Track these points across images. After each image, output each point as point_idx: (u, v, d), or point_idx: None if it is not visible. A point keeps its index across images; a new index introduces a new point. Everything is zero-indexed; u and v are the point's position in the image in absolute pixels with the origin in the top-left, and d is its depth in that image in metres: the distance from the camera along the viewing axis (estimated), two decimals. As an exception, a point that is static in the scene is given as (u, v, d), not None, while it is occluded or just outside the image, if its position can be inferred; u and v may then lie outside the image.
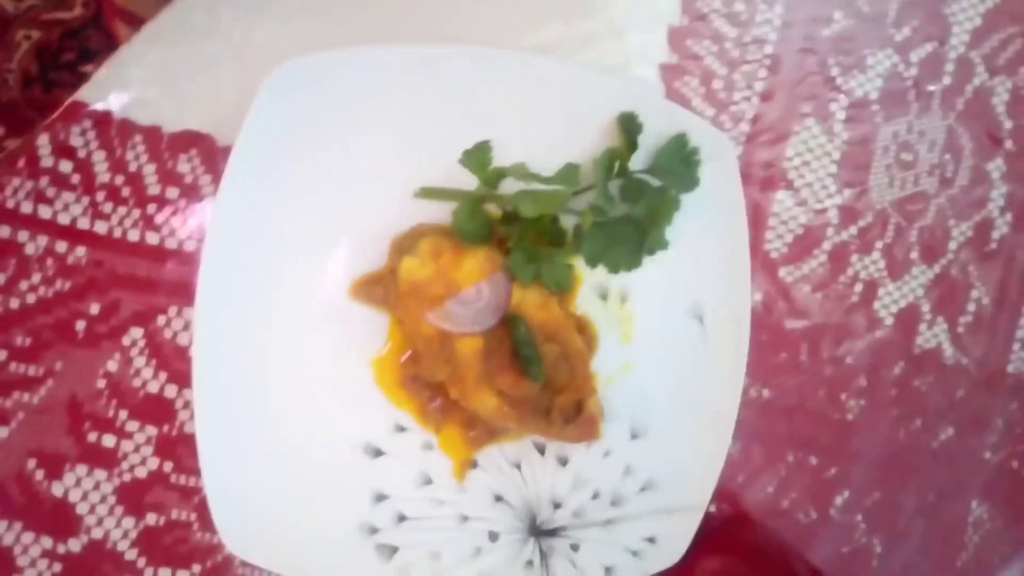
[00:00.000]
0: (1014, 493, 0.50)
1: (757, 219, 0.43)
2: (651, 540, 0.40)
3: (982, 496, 0.50)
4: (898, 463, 0.47)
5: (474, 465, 0.39)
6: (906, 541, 0.49)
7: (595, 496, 0.40)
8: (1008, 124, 0.48)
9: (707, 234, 0.39)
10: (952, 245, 0.47)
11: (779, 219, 0.44)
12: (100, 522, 0.36)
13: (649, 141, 0.38)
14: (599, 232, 0.37)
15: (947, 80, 0.46)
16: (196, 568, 0.37)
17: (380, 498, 0.38)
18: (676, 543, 0.40)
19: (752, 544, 0.42)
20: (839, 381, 0.45)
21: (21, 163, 0.34)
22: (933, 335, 0.47)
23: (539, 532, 0.39)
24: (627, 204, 0.38)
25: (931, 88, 0.46)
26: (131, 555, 0.36)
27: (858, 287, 0.46)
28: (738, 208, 0.39)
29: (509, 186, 0.36)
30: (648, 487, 0.40)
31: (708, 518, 0.40)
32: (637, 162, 0.38)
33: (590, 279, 0.39)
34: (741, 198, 0.39)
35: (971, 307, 0.48)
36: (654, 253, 0.38)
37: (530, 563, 0.39)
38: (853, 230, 0.45)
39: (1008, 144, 0.47)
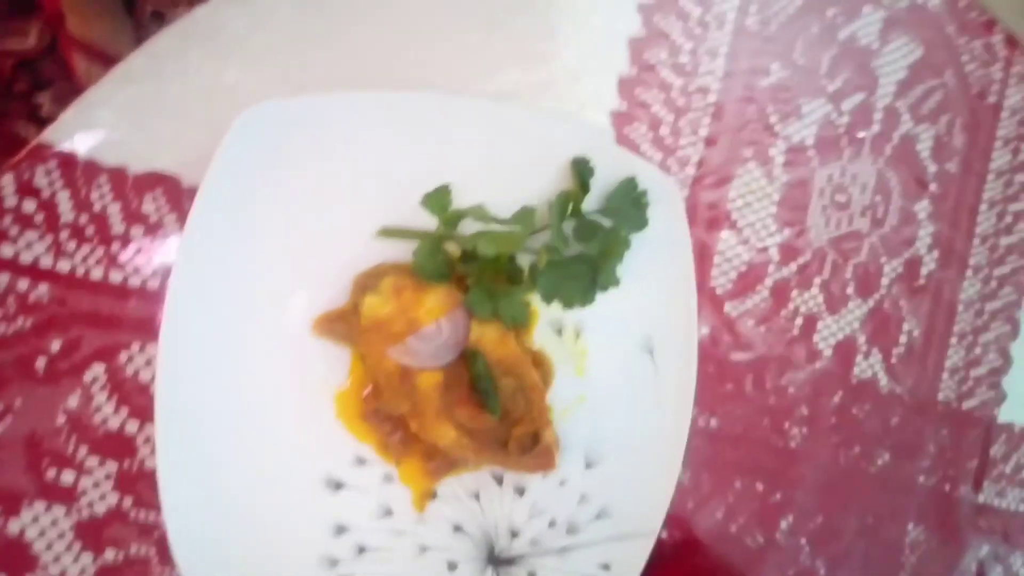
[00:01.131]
0: (946, 516, 0.53)
1: (703, 257, 0.46)
2: (606, 567, 0.41)
3: (917, 519, 0.52)
4: (839, 488, 0.49)
5: (434, 496, 0.40)
6: (848, 563, 0.50)
7: (551, 524, 0.41)
8: (932, 168, 0.51)
9: (656, 271, 0.41)
10: (884, 281, 0.50)
11: (724, 257, 0.46)
12: (57, 559, 0.36)
13: (601, 184, 0.40)
14: (554, 270, 0.39)
15: (876, 127, 0.50)
16: (154, 604, 0.37)
17: (341, 530, 0.38)
18: (630, 569, 0.41)
19: (703, 569, 0.44)
20: (782, 410, 0.48)
21: (-16, 202, 0.34)
22: (869, 365, 0.50)
23: (497, 561, 0.40)
24: (580, 243, 0.40)
25: (861, 135, 0.49)
26: (88, 593, 0.36)
27: (798, 321, 0.48)
28: (685, 247, 0.41)
29: (468, 226, 0.38)
30: (602, 514, 0.41)
31: (660, 544, 0.41)
32: (590, 204, 0.40)
33: (546, 315, 0.41)
34: (688, 237, 0.41)
35: (903, 339, 0.51)
36: (606, 290, 0.40)
37: (488, 592, 0.40)
38: (793, 267, 0.48)
39: (933, 187, 0.51)
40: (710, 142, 0.46)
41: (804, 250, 0.48)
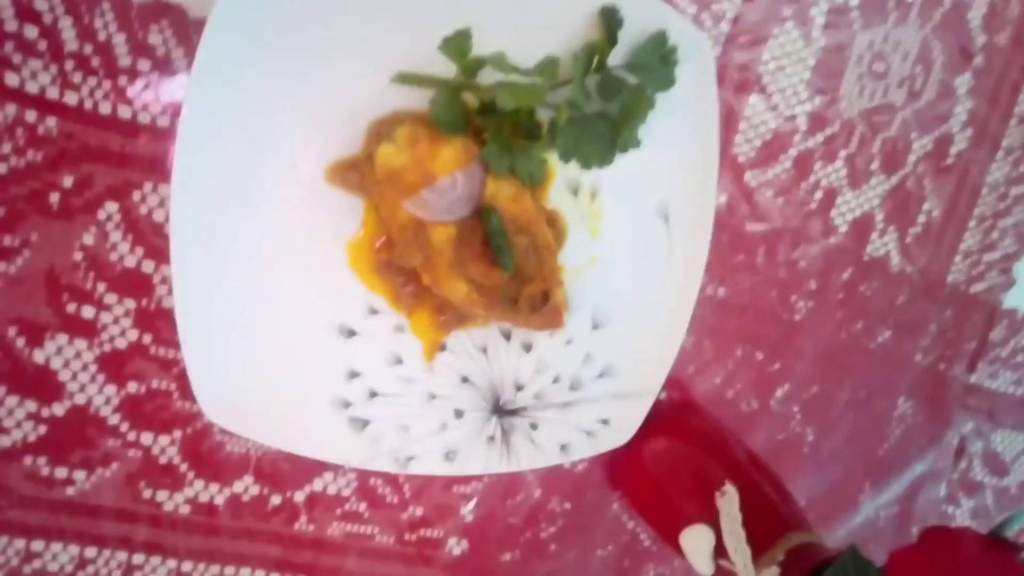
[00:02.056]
0: (937, 392, 0.55)
1: (728, 122, 0.44)
2: (605, 422, 0.43)
3: (908, 393, 0.54)
4: (837, 361, 0.51)
5: (443, 348, 0.41)
6: (836, 431, 0.53)
7: (555, 380, 0.42)
8: (981, 39, 0.48)
9: (679, 134, 0.40)
10: (912, 158, 0.49)
11: (750, 123, 0.45)
12: (83, 388, 0.37)
13: (629, 36, 0.38)
14: (574, 128, 0.38)
15: (927, -10, 0.46)
16: (177, 434, 0.39)
17: (353, 375, 0.39)
18: (628, 425, 0.43)
19: (696, 429, 0.46)
20: (791, 283, 0.48)
21: (-17, 26, 0.32)
22: (883, 244, 0.50)
23: (501, 411, 0.42)
24: (603, 100, 0.38)
25: (911, -2, 0.46)
26: (114, 420, 0.38)
27: (818, 194, 0.47)
28: (712, 110, 0.40)
29: (488, 77, 0.36)
30: (605, 373, 0.43)
31: (658, 404, 0.43)
32: (615, 58, 0.38)
33: (563, 174, 0.40)
34: (715, 100, 0.40)
35: (922, 219, 0.50)
36: (626, 151, 0.39)
37: (492, 439, 0.42)
38: (819, 138, 0.46)
39: (978, 60, 0.48)
40: (748, -3, 0.43)
41: (833, 120, 0.46)
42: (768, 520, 0.40)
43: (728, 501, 0.39)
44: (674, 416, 0.46)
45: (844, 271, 0.49)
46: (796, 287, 0.48)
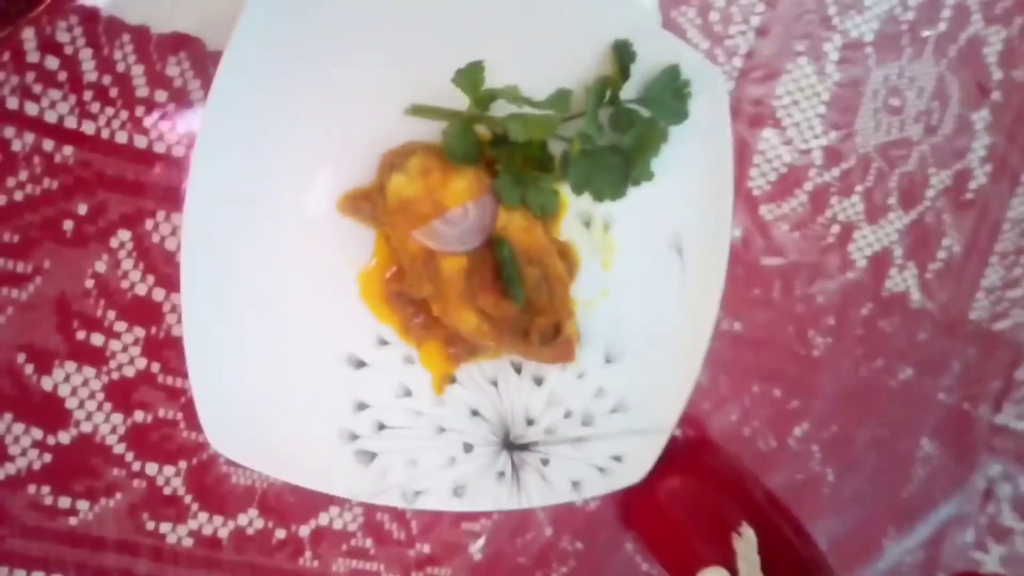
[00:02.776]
0: (961, 433, 0.53)
1: (742, 156, 0.44)
2: (618, 458, 0.42)
3: (932, 434, 0.53)
4: (857, 399, 0.49)
5: (453, 380, 0.40)
6: (857, 472, 0.51)
7: (567, 415, 0.42)
8: (998, 75, 0.48)
9: (693, 168, 0.40)
10: (930, 192, 0.48)
11: (764, 157, 0.45)
12: (89, 416, 0.37)
13: (642, 71, 0.38)
14: (586, 160, 0.38)
15: (943, 26, 0.46)
16: (182, 464, 0.39)
17: (361, 407, 0.39)
18: (642, 462, 0.42)
19: (712, 467, 0.45)
20: (808, 318, 0.47)
21: (6, 57, 0.33)
22: (903, 279, 0.49)
23: (512, 446, 0.41)
24: (615, 133, 0.38)
25: (926, 34, 0.46)
26: (119, 449, 0.38)
27: (835, 229, 0.47)
28: (726, 143, 0.39)
29: (500, 109, 0.36)
30: (618, 409, 0.42)
31: (673, 441, 0.42)
32: (628, 91, 0.38)
33: (575, 206, 0.40)
34: (729, 133, 0.39)
35: (942, 254, 0.49)
36: (639, 184, 0.39)
37: (502, 474, 0.41)
38: (835, 172, 0.46)
39: (995, 95, 0.48)
40: (762, 32, 0.43)
41: (849, 155, 0.46)
42: (788, 564, 0.38)
43: (746, 543, 0.37)
44: (690, 454, 0.45)
45: (863, 307, 0.48)
46: (814, 323, 0.47)
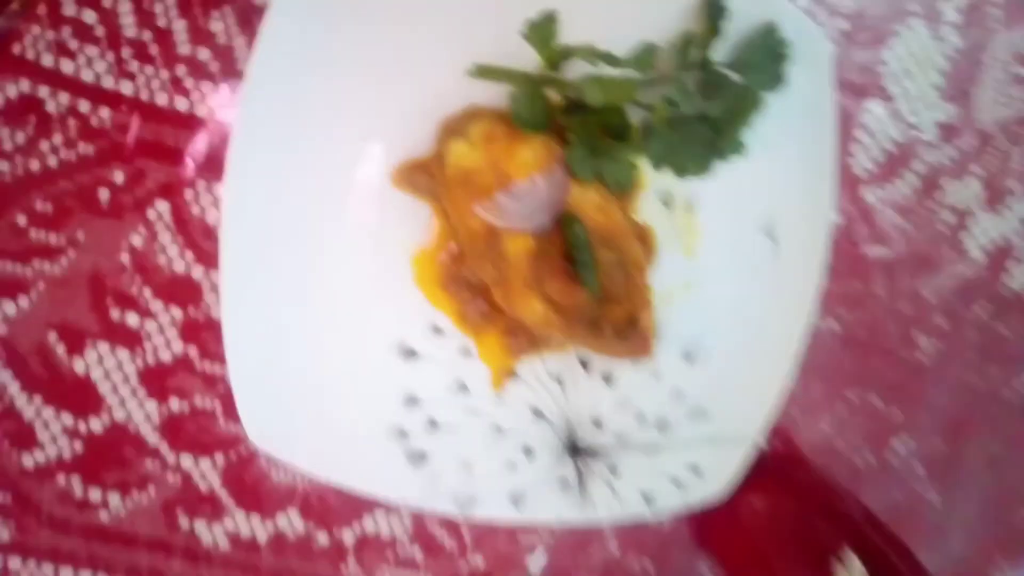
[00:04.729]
0: (1092, 454, 0.47)
1: (845, 130, 0.40)
2: (696, 470, 0.38)
3: (1056, 455, 0.47)
4: (969, 411, 0.44)
5: (513, 375, 0.37)
6: (966, 495, 0.46)
7: (640, 418, 0.38)
8: None
9: (789, 142, 0.36)
10: (1059, 177, 0.43)
11: (869, 132, 0.40)
12: (123, 403, 0.35)
13: (735, 29, 0.34)
14: (669, 130, 0.34)
15: (1081, -16, 0.41)
16: (218, 458, 0.36)
17: (412, 401, 0.36)
18: (722, 476, 0.38)
19: (804, 484, 0.40)
20: (915, 318, 0.42)
21: (41, 10, 0.31)
22: (1024, 275, 0.43)
23: (577, 451, 0.37)
24: (702, 100, 0.34)
25: (1061, -8, 0.40)
26: (153, 439, 0.35)
27: (948, 216, 0.42)
28: (827, 115, 0.36)
29: (574, 70, 0.33)
30: (697, 414, 0.38)
31: (758, 454, 0.37)
32: (719, 53, 0.34)
33: (655, 183, 0.36)
34: (832, 104, 0.36)
35: (1071, 248, 0.44)
36: (727, 158, 0.35)
37: (565, 483, 0.37)
38: (950, 151, 0.41)
39: None
40: (870, -11, 0.39)
41: (965, 131, 0.41)
42: (897, 598, 0.33)
43: (851, 572, 0.32)
44: (778, 468, 0.40)
45: (978, 306, 0.43)
46: (921, 323, 0.42)
